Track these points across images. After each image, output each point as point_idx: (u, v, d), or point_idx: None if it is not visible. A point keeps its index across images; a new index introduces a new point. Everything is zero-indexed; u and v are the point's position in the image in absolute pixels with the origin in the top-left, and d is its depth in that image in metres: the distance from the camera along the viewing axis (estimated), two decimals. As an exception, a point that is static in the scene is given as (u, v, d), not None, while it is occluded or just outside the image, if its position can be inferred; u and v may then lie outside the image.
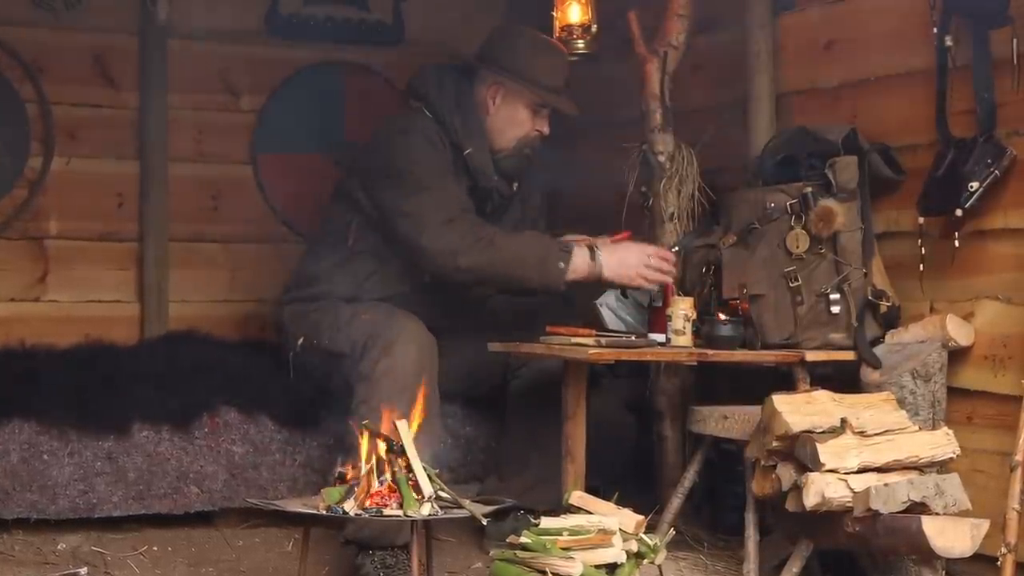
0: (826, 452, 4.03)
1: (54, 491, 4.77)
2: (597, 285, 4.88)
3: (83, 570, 4.56)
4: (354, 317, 4.85)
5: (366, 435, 4.04)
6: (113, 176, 5.91)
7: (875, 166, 4.72)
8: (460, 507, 4.02)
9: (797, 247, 4.68)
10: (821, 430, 4.10)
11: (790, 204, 4.69)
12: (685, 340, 4.68)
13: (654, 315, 4.81)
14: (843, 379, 4.57)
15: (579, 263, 4.77)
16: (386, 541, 4.53)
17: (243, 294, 6.06)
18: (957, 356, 4.52)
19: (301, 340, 4.98)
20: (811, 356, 4.64)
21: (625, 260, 4.77)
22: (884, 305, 4.64)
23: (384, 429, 4.03)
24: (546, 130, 5.04)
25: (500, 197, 5.07)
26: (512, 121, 5.00)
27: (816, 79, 5.11)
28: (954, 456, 4.20)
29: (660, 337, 4.73)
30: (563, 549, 3.93)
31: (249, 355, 5.24)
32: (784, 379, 4.67)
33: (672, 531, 4.51)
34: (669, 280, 4.79)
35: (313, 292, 5.03)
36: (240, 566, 4.75)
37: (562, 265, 4.74)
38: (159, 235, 5.95)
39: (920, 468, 4.15)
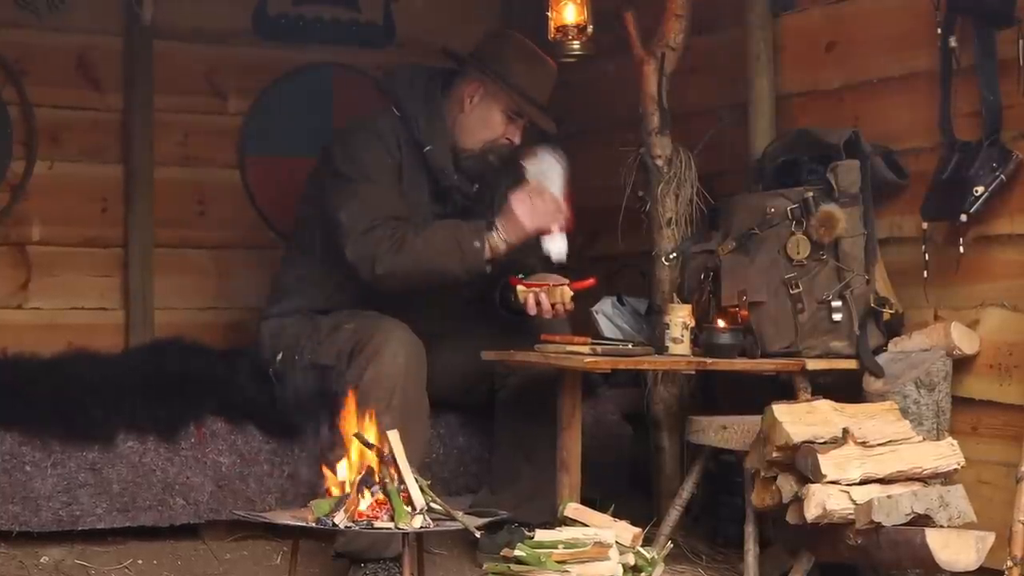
0: (828, 463, 4.02)
1: (37, 503, 4.71)
2: (519, 255, 4.80)
3: (66, 583, 4.53)
4: (336, 327, 4.81)
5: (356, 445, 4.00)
6: (97, 180, 5.87)
7: (878, 170, 4.73)
8: (453, 519, 3.99)
9: (798, 253, 4.67)
10: (822, 440, 4.08)
11: (791, 209, 4.68)
12: (683, 348, 4.67)
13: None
14: (845, 388, 4.56)
15: (492, 238, 4.71)
16: (377, 554, 4.49)
17: (230, 301, 6.02)
18: (962, 365, 4.51)
19: (280, 355, 4.95)
20: (812, 365, 4.63)
21: (512, 218, 4.69)
22: (887, 312, 4.63)
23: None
24: (517, 140, 4.96)
25: (462, 197, 4.99)
26: (484, 122, 4.93)
27: (817, 81, 5.10)
28: (959, 467, 4.19)
29: (557, 245, 4.65)
30: (558, 562, 3.93)
31: (236, 364, 5.19)
32: (784, 388, 4.67)
33: (670, 544, 4.58)
34: (560, 220, 4.68)
35: (285, 307, 5.01)
36: (227, 579, 4.72)
37: (478, 244, 4.70)
38: (144, 240, 5.90)
39: (924, 479, 4.15)
